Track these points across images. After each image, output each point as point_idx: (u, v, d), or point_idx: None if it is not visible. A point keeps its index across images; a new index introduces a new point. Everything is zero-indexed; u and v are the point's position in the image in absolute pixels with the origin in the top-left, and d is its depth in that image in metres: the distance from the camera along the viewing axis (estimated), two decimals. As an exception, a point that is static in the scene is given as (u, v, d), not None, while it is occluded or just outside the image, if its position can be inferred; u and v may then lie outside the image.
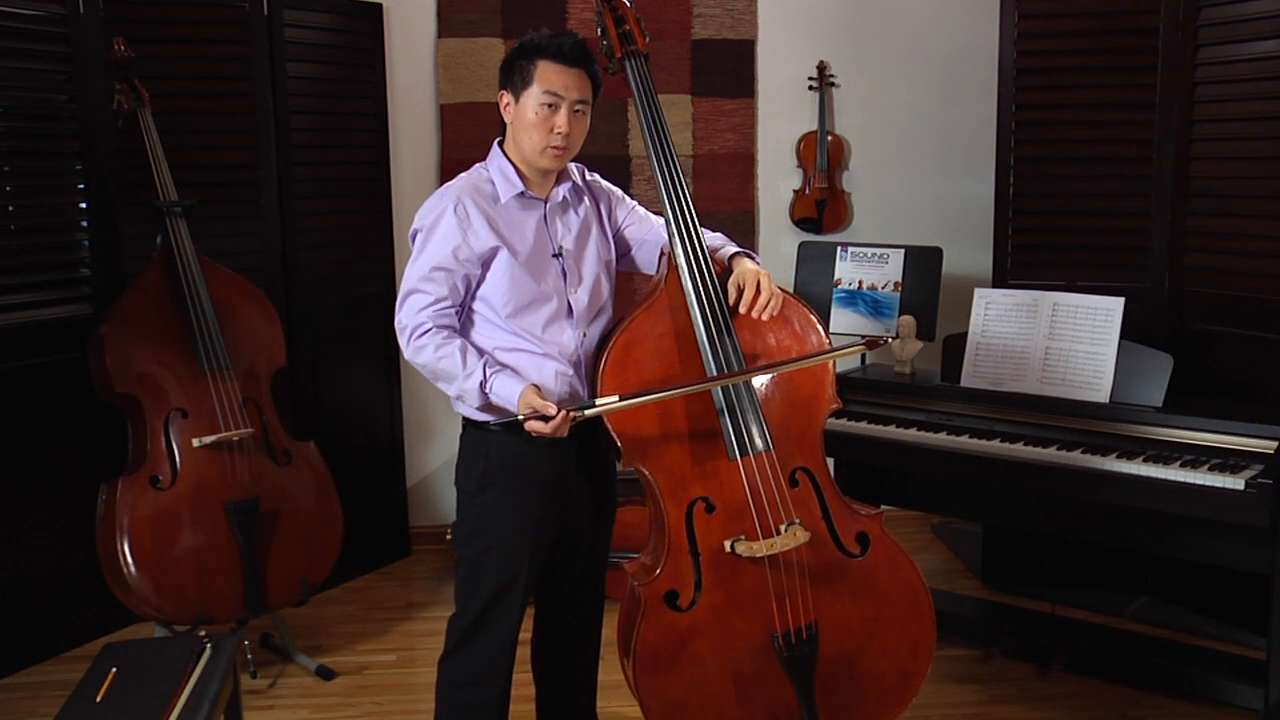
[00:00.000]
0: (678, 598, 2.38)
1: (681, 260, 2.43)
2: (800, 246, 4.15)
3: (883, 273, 3.89)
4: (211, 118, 3.83)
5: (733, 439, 2.40)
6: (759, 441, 2.41)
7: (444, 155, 4.45)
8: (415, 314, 2.38)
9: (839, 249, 3.99)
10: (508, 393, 2.33)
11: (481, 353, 2.40)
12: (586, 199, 2.57)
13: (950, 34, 4.58)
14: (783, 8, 4.56)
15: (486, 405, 2.39)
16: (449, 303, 2.39)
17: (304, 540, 3.53)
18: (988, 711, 3.24)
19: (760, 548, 2.38)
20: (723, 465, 2.41)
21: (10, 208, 3.56)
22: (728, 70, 4.54)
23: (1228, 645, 3.50)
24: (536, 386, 2.34)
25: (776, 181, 4.66)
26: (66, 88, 3.56)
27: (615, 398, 2.30)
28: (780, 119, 4.62)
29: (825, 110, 4.56)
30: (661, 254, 2.54)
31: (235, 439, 3.39)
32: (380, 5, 4.25)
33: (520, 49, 2.40)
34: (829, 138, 4.57)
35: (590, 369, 2.46)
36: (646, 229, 2.62)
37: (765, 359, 2.47)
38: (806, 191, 4.62)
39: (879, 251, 3.93)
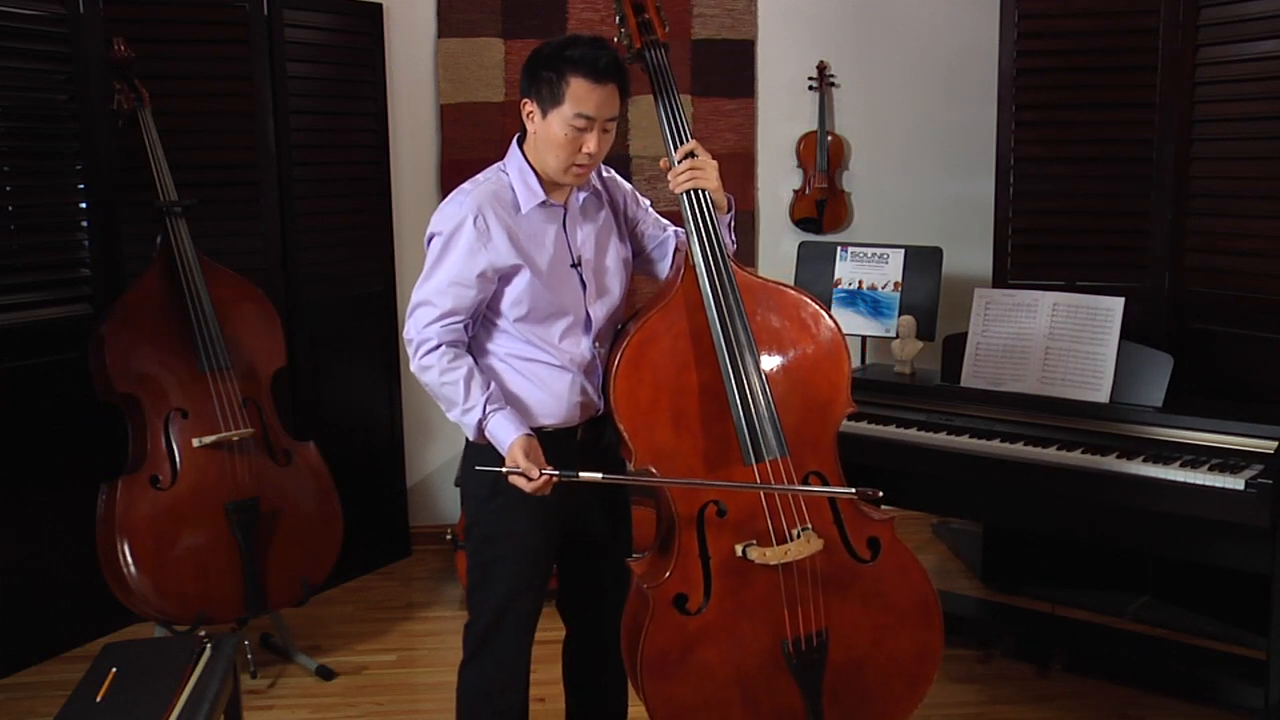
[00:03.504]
0: (687, 601, 2.34)
1: (699, 258, 2.36)
2: (800, 246, 4.16)
3: (883, 273, 3.90)
4: (211, 118, 3.83)
5: (748, 443, 2.34)
6: (775, 447, 2.34)
7: (444, 155, 4.45)
8: (423, 329, 2.30)
9: (839, 249, 4.00)
10: (503, 436, 2.27)
11: (488, 384, 2.31)
12: (605, 201, 2.50)
13: (950, 34, 4.58)
14: (783, 8, 4.56)
15: (481, 438, 2.32)
16: (459, 318, 2.30)
17: (304, 540, 3.53)
18: (988, 711, 3.24)
19: (772, 555, 2.32)
20: (736, 470, 2.35)
21: (10, 208, 3.55)
22: (728, 70, 4.54)
23: (1228, 645, 3.49)
24: (531, 436, 2.27)
25: (776, 181, 4.66)
26: (66, 88, 3.56)
27: (600, 474, 2.25)
28: (780, 119, 4.61)
29: (825, 110, 4.56)
30: (676, 250, 2.50)
31: (235, 439, 3.39)
32: (380, 5, 4.25)
33: (551, 58, 2.25)
34: (829, 138, 4.57)
35: (604, 370, 2.39)
36: (658, 234, 2.58)
37: (779, 354, 2.41)
38: (806, 191, 4.62)
39: (879, 251, 3.93)
